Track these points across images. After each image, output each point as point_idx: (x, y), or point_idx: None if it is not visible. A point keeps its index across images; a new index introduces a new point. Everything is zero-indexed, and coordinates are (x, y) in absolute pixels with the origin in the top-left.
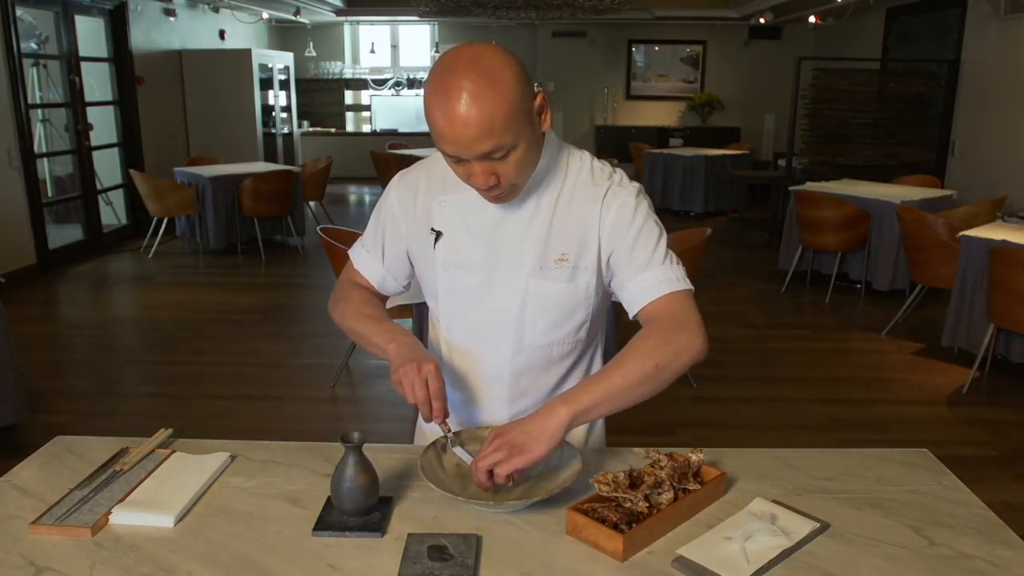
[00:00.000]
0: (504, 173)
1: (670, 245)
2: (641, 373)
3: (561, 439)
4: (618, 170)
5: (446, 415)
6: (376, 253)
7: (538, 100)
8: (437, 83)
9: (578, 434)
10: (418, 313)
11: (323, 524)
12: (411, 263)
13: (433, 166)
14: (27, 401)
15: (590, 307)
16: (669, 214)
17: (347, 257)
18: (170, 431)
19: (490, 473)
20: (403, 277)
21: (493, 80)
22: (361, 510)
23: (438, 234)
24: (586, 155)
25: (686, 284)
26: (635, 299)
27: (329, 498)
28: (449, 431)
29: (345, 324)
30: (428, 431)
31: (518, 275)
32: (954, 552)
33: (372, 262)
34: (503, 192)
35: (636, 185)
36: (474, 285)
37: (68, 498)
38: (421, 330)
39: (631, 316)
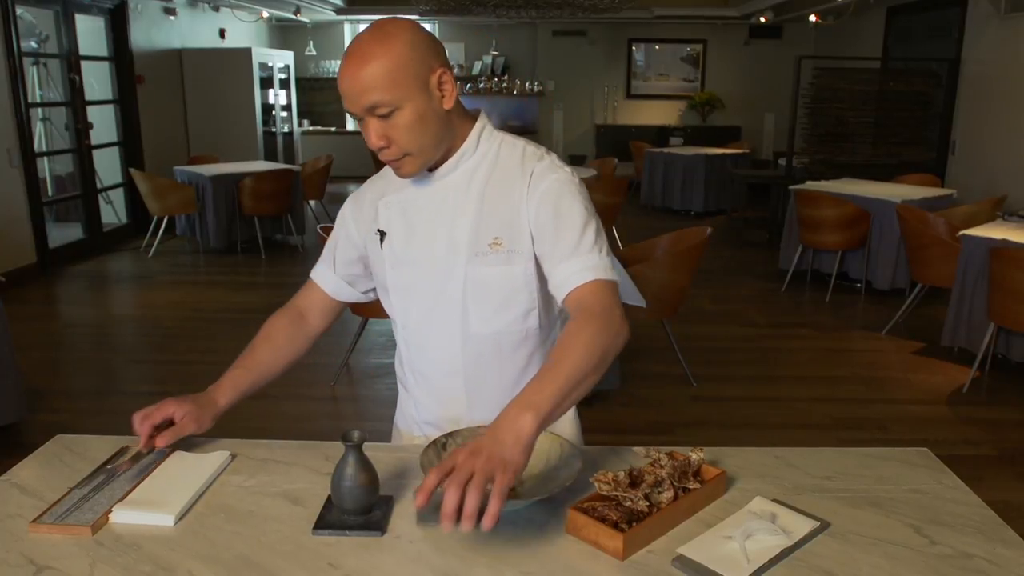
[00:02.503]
0: (394, 137)
1: (599, 233)
2: (591, 363)
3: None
4: (551, 153)
5: (150, 438)
6: (328, 261)
7: (436, 75)
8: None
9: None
10: None
11: (323, 523)
12: (367, 269)
13: (379, 177)
14: (27, 400)
15: (532, 292)
16: (669, 213)
17: None
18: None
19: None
20: (360, 284)
21: (383, 40)
22: (361, 509)
23: (383, 234)
24: (520, 141)
25: (612, 275)
26: (563, 284)
27: (329, 497)
28: (152, 448)
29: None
30: (404, 431)
31: (455, 263)
32: (954, 551)
33: (326, 271)
34: (398, 158)
35: (566, 168)
36: (418, 279)
37: (68, 497)
38: None
39: (559, 302)
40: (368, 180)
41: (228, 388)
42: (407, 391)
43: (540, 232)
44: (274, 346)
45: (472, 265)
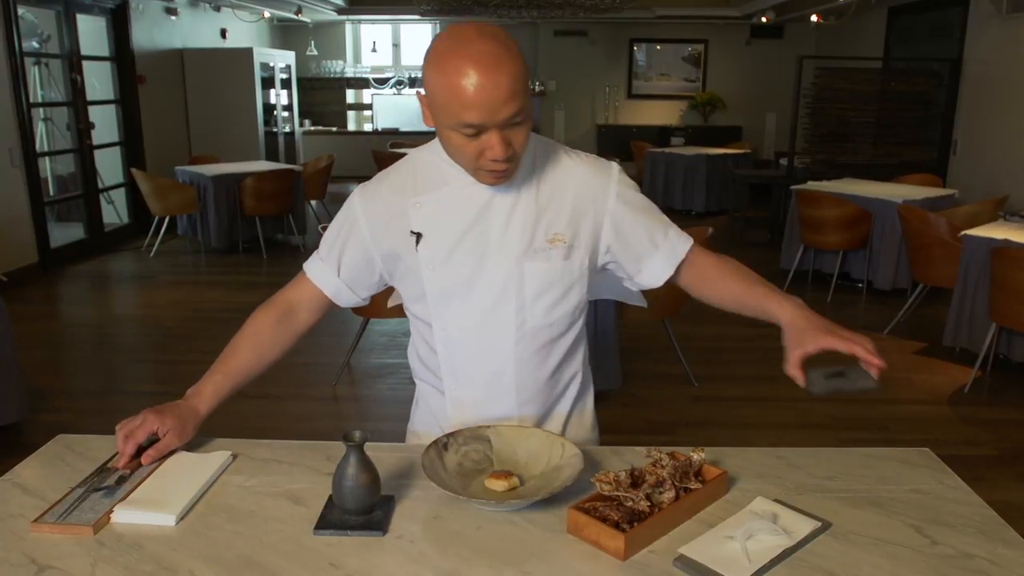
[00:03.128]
0: (516, 143)
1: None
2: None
3: None
4: (605, 159)
5: (131, 460)
6: (332, 264)
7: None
8: (453, 56)
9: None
10: None
11: (325, 523)
12: (375, 275)
13: (395, 174)
14: (28, 400)
15: (585, 285)
16: (671, 213)
17: None
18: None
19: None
20: (363, 289)
21: (507, 44)
22: (363, 509)
23: (419, 236)
24: (551, 141)
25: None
26: (672, 256)
27: (331, 497)
28: (135, 468)
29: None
30: (422, 431)
31: (507, 260)
32: (955, 551)
33: (327, 273)
34: (511, 167)
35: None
36: (463, 279)
37: (69, 496)
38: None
39: (666, 276)
40: (379, 176)
41: (209, 396)
42: (441, 395)
43: (627, 237)
44: (258, 347)
45: (531, 261)
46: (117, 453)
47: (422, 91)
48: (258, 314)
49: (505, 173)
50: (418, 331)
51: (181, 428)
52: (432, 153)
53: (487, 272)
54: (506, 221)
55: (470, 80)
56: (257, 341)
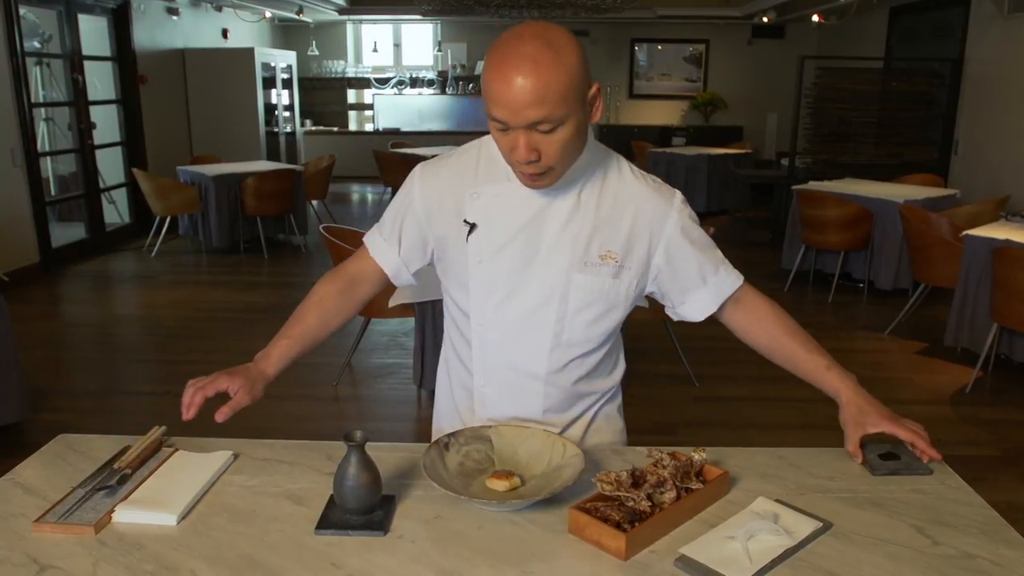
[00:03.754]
0: (546, 151)
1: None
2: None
3: None
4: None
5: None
6: (393, 242)
7: (593, 89)
8: (502, 48)
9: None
10: (421, 314)
11: (326, 523)
12: (427, 256)
13: (459, 159)
14: (30, 399)
15: (626, 308)
16: None
17: (351, 255)
18: (163, 428)
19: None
20: (414, 267)
21: (557, 51)
22: (364, 509)
23: (472, 226)
24: (620, 157)
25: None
26: (718, 294)
27: (332, 497)
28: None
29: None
30: (449, 428)
31: (555, 268)
32: (957, 552)
33: (389, 251)
34: (540, 172)
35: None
36: (508, 277)
37: (71, 496)
38: (424, 331)
39: (708, 312)
40: (442, 156)
41: (276, 359)
42: (464, 389)
43: (678, 266)
44: (323, 314)
45: (579, 273)
46: (119, 453)
47: None
48: (323, 283)
49: (536, 177)
50: (454, 321)
51: (251, 387)
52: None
53: (534, 275)
54: (561, 228)
55: (501, 76)
56: (322, 308)
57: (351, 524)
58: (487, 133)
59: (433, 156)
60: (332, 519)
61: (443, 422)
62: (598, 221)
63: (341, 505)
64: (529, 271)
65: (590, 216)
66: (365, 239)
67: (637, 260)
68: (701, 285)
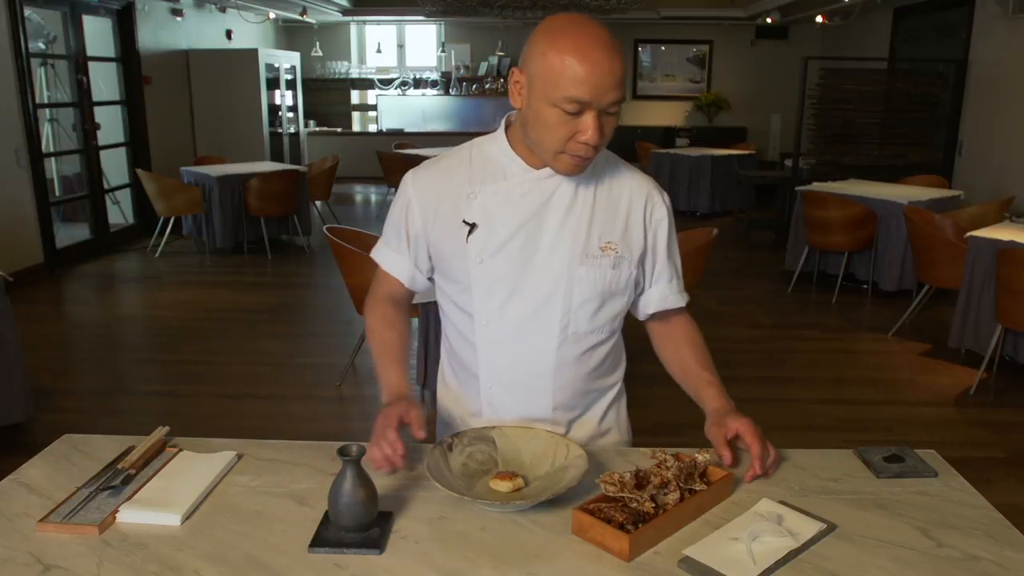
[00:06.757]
0: (607, 132)
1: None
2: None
3: None
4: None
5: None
6: (402, 251)
7: None
8: (572, 34)
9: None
10: (424, 313)
11: (320, 540)
12: (430, 260)
13: (449, 160)
14: (34, 399)
15: (627, 296)
16: (675, 214)
17: (354, 256)
18: (167, 429)
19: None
20: (426, 273)
21: (614, 37)
22: (359, 526)
23: (472, 226)
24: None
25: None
26: (661, 302)
27: (326, 513)
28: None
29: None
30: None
31: (558, 262)
32: (961, 554)
33: (400, 260)
34: (591, 157)
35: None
36: (510, 275)
37: (75, 496)
38: (427, 330)
39: (647, 313)
40: (432, 160)
41: (403, 383)
42: (463, 392)
43: (654, 253)
44: (399, 331)
45: (583, 266)
46: (124, 453)
47: (518, 67)
48: (375, 312)
49: (585, 163)
50: (454, 325)
51: (411, 404)
52: (494, 146)
53: (536, 272)
54: (561, 223)
55: (588, 56)
56: (395, 327)
57: (346, 542)
58: (489, 133)
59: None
60: (326, 537)
61: (445, 430)
62: (596, 213)
63: (336, 522)
64: (531, 267)
65: (588, 208)
66: (374, 256)
67: (634, 250)
68: (653, 285)
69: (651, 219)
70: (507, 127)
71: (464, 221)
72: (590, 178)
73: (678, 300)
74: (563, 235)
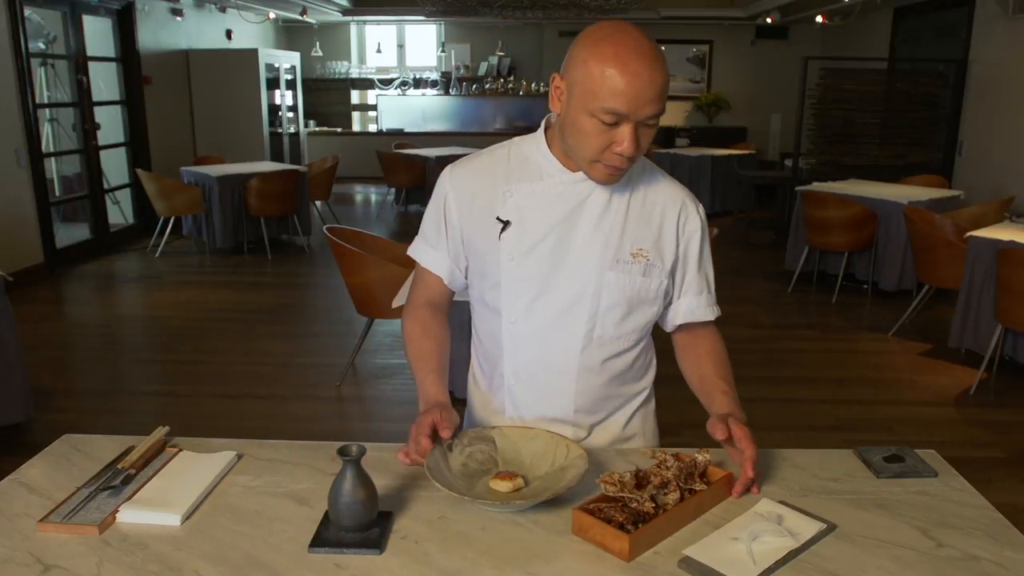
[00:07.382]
0: (643, 144)
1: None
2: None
3: None
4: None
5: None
6: (441, 247)
7: None
8: (615, 43)
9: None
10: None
11: (320, 540)
12: (466, 257)
13: (488, 158)
14: (34, 399)
15: (659, 305)
16: None
17: (354, 256)
18: (167, 429)
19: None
20: (464, 271)
21: (658, 49)
22: (359, 526)
23: (505, 224)
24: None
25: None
26: (690, 314)
27: (327, 513)
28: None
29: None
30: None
31: (588, 266)
32: (961, 554)
33: (439, 257)
34: (629, 167)
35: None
36: (540, 275)
37: (75, 496)
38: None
39: (674, 324)
40: (470, 156)
41: (441, 391)
42: (490, 390)
43: (685, 263)
44: (438, 339)
45: (612, 271)
46: (124, 453)
47: (559, 73)
48: (413, 319)
49: (620, 173)
50: (485, 323)
51: (444, 409)
52: (533, 145)
53: (566, 273)
54: (594, 226)
55: (628, 68)
56: (433, 335)
57: (346, 542)
58: (489, 133)
59: (436, 157)
60: (326, 537)
61: (476, 413)
62: (629, 219)
63: (336, 522)
64: (561, 269)
65: (621, 214)
66: (411, 253)
67: (666, 259)
68: (681, 296)
69: (684, 229)
70: (546, 128)
71: (498, 218)
72: (626, 184)
73: (707, 313)
74: (595, 239)
